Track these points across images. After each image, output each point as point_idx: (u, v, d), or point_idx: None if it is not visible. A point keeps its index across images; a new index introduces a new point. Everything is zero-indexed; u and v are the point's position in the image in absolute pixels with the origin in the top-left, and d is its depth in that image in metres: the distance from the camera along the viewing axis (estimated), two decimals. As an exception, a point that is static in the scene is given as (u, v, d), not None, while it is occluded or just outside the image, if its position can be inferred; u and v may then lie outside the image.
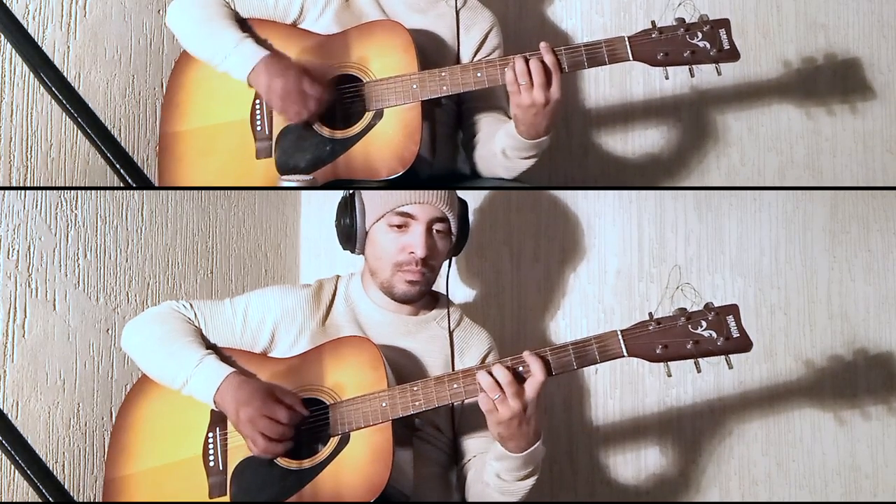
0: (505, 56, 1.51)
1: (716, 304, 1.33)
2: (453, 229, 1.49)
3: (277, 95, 1.48)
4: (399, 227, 1.46)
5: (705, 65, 1.46)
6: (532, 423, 1.32)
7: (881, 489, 1.91)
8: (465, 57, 1.63)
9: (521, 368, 1.33)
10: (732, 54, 1.46)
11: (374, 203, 1.47)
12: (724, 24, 1.46)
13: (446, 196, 1.47)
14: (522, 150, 1.54)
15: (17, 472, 1.21)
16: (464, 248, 1.56)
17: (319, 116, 1.51)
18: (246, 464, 1.38)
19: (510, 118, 1.63)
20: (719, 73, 1.46)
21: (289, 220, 2.08)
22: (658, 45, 1.46)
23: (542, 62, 1.45)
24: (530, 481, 1.39)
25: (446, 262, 1.54)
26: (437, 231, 1.47)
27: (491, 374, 1.31)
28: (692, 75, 1.47)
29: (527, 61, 1.45)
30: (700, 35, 1.45)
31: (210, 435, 1.40)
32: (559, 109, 1.48)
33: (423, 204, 1.45)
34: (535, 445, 1.34)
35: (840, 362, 1.91)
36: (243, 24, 1.56)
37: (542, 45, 1.47)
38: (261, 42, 1.54)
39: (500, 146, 1.56)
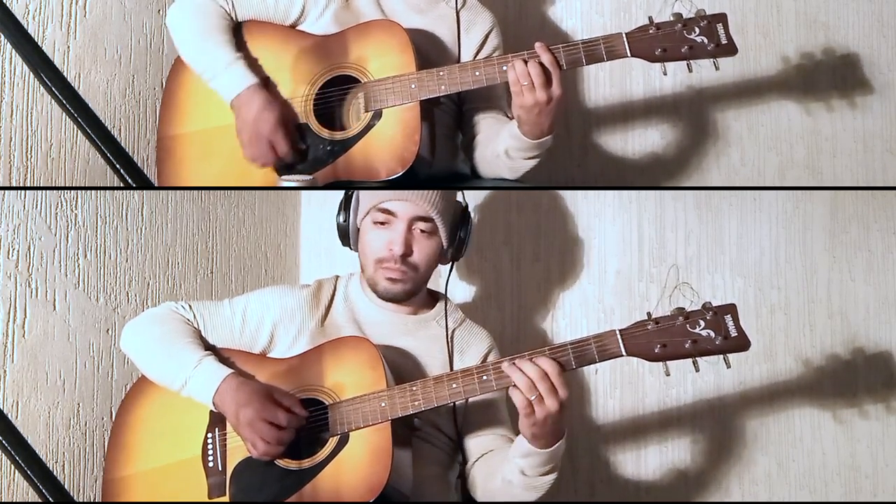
0: (504, 55, 1.51)
1: (714, 304, 1.34)
2: (441, 231, 1.48)
3: (245, 135, 1.49)
4: (382, 223, 1.47)
5: (703, 60, 1.46)
6: (561, 422, 1.33)
7: (881, 489, 1.91)
8: (466, 58, 1.63)
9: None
10: (730, 49, 1.45)
11: (364, 200, 1.49)
12: (722, 18, 1.46)
13: (433, 196, 1.46)
14: (526, 150, 1.54)
15: (17, 472, 1.21)
16: (464, 253, 1.55)
17: (278, 166, 1.51)
18: (245, 464, 1.38)
19: (511, 118, 1.63)
20: (717, 68, 1.46)
21: (289, 220, 2.08)
22: (655, 41, 1.45)
23: (541, 62, 1.46)
24: (552, 476, 1.39)
25: (447, 265, 1.54)
26: (421, 230, 1.47)
27: (524, 372, 1.31)
28: (690, 70, 1.47)
29: (526, 63, 1.45)
30: (697, 30, 1.45)
31: (209, 435, 1.40)
32: (561, 107, 1.48)
33: (406, 201, 1.45)
34: (560, 442, 1.35)
35: (840, 362, 1.91)
36: (239, 39, 1.56)
37: (537, 45, 1.47)
38: (252, 64, 1.53)
39: (503, 147, 1.56)
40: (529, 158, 1.55)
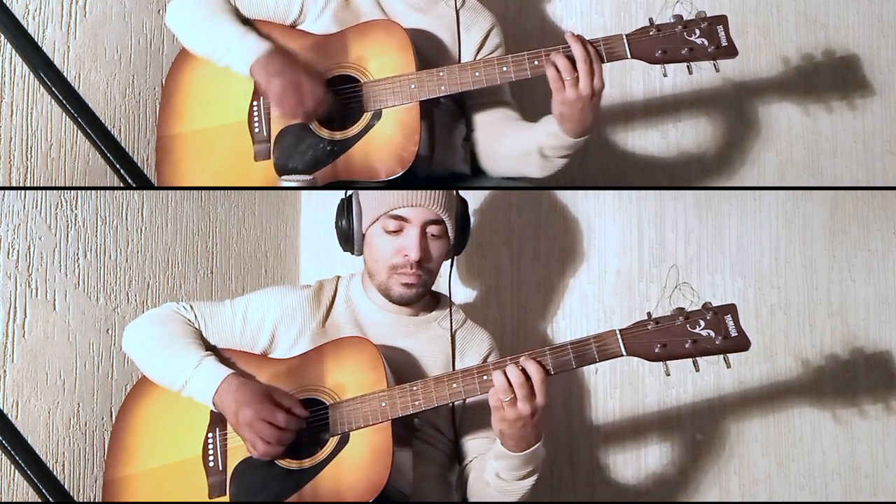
0: (504, 56, 1.51)
1: (714, 304, 1.34)
2: (450, 231, 1.48)
3: (276, 90, 1.46)
4: (394, 231, 1.46)
5: (703, 62, 1.46)
6: (536, 426, 1.32)
7: (881, 489, 1.91)
8: (466, 57, 1.62)
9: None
10: (730, 51, 1.45)
11: (369, 205, 1.47)
12: (722, 20, 1.45)
13: (441, 197, 1.46)
14: (565, 148, 1.51)
15: (17, 472, 1.21)
16: (465, 247, 1.56)
17: (317, 118, 1.50)
18: (245, 464, 1.38)
19: (516, 112, 1.62)
20: (717, 70, 1.46)
21: (289, 220, 2.08)
22: (656, 43, 1.45)
23: (587, 52, 1.42)
24: (530, 481, 1.38)
25: (447, 263, 1.54)
26: (433, 234, 1.47)
27: (506, 375, 1.31)
28: (690, 72, 1.47)
29: (566, 55, 1.43)
30: (698, 32, 1.44)
31: (209, 435, 1.40)
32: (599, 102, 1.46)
33: (417, 207, 1.45)
34: (535, 447, 1.34)
35: (840, 362, 1.91)
36: (246, 20, 1.56)
37: (569, 35, 1.44)
38: (264, 37, 1.53)
39: (536, 145, 1.53)
40: (564, 157, 1.53)
